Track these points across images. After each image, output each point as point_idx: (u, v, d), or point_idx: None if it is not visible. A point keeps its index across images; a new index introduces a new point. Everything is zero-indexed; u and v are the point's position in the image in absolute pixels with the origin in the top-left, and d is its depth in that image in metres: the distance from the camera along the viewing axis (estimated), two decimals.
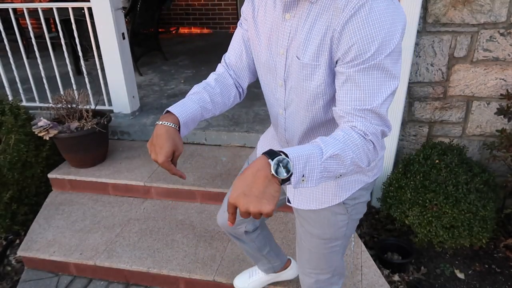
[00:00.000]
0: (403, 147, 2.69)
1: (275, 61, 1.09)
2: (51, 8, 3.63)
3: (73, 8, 2.96)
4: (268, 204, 0.79)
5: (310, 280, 1.37)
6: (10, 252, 2.59)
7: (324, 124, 1.11)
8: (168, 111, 1.08)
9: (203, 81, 1.22)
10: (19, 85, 3.29)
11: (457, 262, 2.36)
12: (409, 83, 2.46)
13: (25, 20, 3.07)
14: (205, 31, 6.72)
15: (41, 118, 2.64)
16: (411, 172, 2.31)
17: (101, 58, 3.04)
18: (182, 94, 3.70)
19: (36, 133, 2.55)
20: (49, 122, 2.59)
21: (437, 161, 2.28)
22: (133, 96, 3.21)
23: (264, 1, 1.09)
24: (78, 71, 4.37)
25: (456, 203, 2.09)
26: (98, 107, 3.09)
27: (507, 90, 2.30)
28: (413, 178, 2.27)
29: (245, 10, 1.18)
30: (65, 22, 3.83)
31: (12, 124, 2.60)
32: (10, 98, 3.25)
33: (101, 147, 2.79)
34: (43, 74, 3.20)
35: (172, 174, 1.10)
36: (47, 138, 2.57)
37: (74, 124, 2.68)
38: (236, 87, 1.25)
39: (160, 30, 6.22)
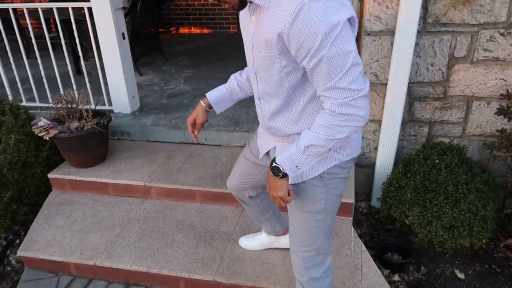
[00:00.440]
0: (403, 147, 2.69)
1: (248, 57, 1.33)
2: (51, 8, 3.64)
3: (73, 8, 2.96)
4: (280, 191, 1.26)
5: (298, 259, 1.50)
6: (10, 252, 2.59)
7: (293, 107, 1.30)
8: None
9: (242, 74, 1.60)
10: (19, 85, 3.29)
11: (457, 262, 2.36)
12: (409, 83, 2.46)
13: (25, 20, 3.07)
14: (205, 31, 6.72)
15: (41, 118, 2.64)
16: (411, 172, 2.31)
17: (101, 58, 3.04)
18: (182, 94, 3.71)
19: (36, 133, 2.55)
20: (49, 122, 2.59)
21: (437, 161, 2.28)
22: (133, 96, 3.21)
23: (244, 9, 1.28)
24: (78, 71, 4.37)
25: (456, 203, 2.09)
26: (98, 107, 3.09)
27: (507, 90, 2.30)
28: (413, 178, 2.27)
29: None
30: (65, 22, 3.83)
31: (12, 124, 2.60)
32: (10, 98, 3.25)
33: (101, 147, 2.79)
34: (43, 74, 3.20)
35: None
36: (47, 138, 2.57)
37: (74, 124, 2.68)
38: None
39: (160, 30, 6.22)
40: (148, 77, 4.28)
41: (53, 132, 2.56)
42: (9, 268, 2.47)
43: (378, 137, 2.64)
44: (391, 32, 2.33)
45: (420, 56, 2.38)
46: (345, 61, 1.07)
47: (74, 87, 3.14)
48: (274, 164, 1.23)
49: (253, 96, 1.50)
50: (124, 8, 3.06)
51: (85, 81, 3.18)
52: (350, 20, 1.10)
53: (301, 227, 1.44)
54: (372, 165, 2.78)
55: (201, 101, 1.57)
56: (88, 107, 2.80)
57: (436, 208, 2.13)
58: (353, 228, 2.31)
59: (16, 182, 2.58)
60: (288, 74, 1.21)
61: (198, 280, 2.09)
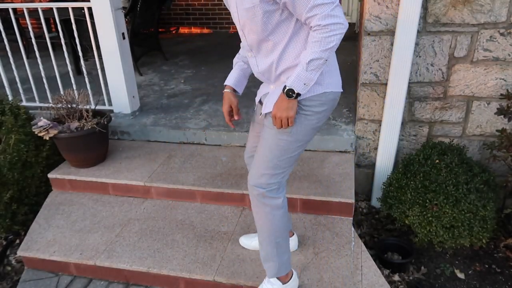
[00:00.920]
0: (403, 147, 2.69)
1: (235, 17, 1.52)
2: (51, 8, 3.64)
3: (73, 8, 2.96)
4: (291, 111, 1.49)
5: (250, 180, 1.68)
6: (10, 252, 2.59)
7: (279, 45, 1.49)
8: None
9: (238, 52, 1.82)
10: (19, 85, 3.29)
11: (457, 262, 2.36)
12: (409, 83, 2.46)
13: (25, 20, 3.07)
14: (205, 31, 6.72)
15: (41, 118, 2.64)
16: (411, 172, 2.31)
17: (101, 58, 3.04)
18: (182, 94, 3.71)
19: (36, 133, 2.55)
20: (49, 122, 2.59)
21: (437, 161, 2.28)
22: (133, 96, 3.21)
23: None
24: (78, 71, 4.37)
25: (456, 203, 2.09)
26: (98, 107, 3.09)
27: (507, 90, 2.30)
28: (413, 178, 2.27)
29: None
30: (65, 22, 3.83)
31: (12, 124, 2.60)
32: (10, 98, 3.25)
33: (101, 147, 2.79)
34: (43, 74, 3.20)
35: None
36: (47, 138, 2.57)
37: (74, 124, 2.68)
38: None
39: (160, 30, 6.22)
40: (148, 77, 4.28)
41: (53, 132, 2.56)
42: (9, 268, 2.47)
43: (378, 137, 2.64)
44: (391, 32, 2.33)
45: (420, 56, 2.38)
46: None
47: (74, 87, 3.14)
48: (287, 88, 1.45)
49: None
50: (124, 8, 3.06)
51: (85, 81, 3.18)
52: None
53: (266, 143, 1.62)
54: (372, 165, 2.78)
55: (225, 90, 1.78)
56: (88, 107, 2.81)
57: (436, 208, 2.13)
58: (353, 228, 2.31)
59: (16, 182, 2.58)
60: (269, 18, 1.42)
61: (198, 280, 2.09)
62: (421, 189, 2.20)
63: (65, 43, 3.16)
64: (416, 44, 2.34)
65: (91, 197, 2.71)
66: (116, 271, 2.21)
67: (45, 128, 2.55)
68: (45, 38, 3.12)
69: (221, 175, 2.61)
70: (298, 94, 1.46)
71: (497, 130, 2.37)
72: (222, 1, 6.45)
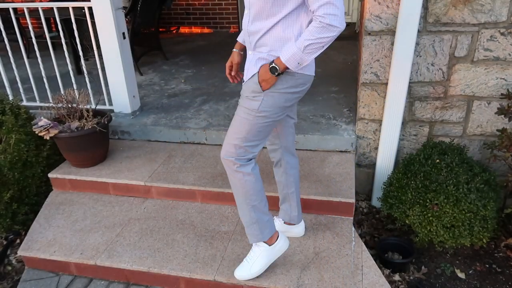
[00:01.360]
0: (403, 147, 2.69)
1: None
2: (52, 8, 3.64)
3: (73, 8, 2.96)
4: (270, 84, 1.63)
5: (222, 151, 1.79)
6: (11, 251, 2.59)
7: (273, 18, 1.57)
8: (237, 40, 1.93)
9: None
10: (19, 84, 3.29)
11: (457, 261, 2.36)
12: (409, 82, 2.46)
13: (26, 19, 3.07)
14: (206, 30, 6.72)
15: (42, 117, 2.64)
16: (411, 172, 2.31)
17: (102, 58, 3.04)
18: (182, 94, 3.71)
19: (36, 132, 2.55)
20: (49, 122, 2.59)
21: (437, 160, 2.28)
22: (134, 96, 3.21)
23: None
24: (78, 71, 4.37)
25: (457, 203, 2.09)
26: (99, 107, 3.09)
27: (508, 90, 2.30)
28: (414, 178, 2.27)
29: None
30: (66, 22, 3.83)
31: (12, 123, 2.60)
32: (10, 97, 3.26)
33: (101, 146, 2.79)
34: (43, 74, 3.20)
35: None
36: (48, 138, 2.57)
37: (75, 124, 2.68)
38: None
39: (160, 29, 6.22)
40: (149, 77, 4.28)
41: (53, 132, 2.56)
42: (9, 268, 2.48)
43: (379, 136, 2.64)
44: (391, 32, 2.33)
45: (420, 56, 2.38)
46: None
47: (75, 86, 3.14)
48: (273, 65, 1.58)
49: None
50: (124, 7, 3.06)
51: (85, 81, 3.18)
52: None
53: (238, 118, 1.72)
54: (372, 165, 2.78)
55: (234, 49, 1.91)
56: (88, 106, 2.81)
57: (436, 207, 2.13)
58: (353, 228, 2.31)
59: (16, 181, 2.58)
60: None
61: (199, 280, 2.09)
62: (421, 189, 2.20)
63: (66, 43, 3.16)
64: (417, 43, 2.34)
65: (91, 197, 2.72)
66: (116, 271, 2.21)
67: (45, 128, 2.55)
68: (45, 38, 3.12)
69: (222, 175, 2.60)
70: (279, 73, 1.59)
71: (497, 130, 2.37)
72: (222, 1, 6.45)
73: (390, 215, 2.52)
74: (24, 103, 3.28)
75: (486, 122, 2.49)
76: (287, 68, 1.57)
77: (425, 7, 2.24)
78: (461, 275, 2.27)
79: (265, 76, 1.61)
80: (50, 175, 2.76)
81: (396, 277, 2.22)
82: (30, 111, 2.93)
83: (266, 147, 2.13)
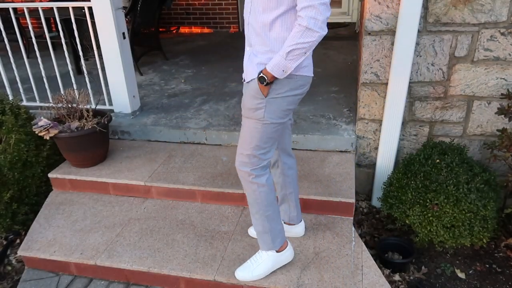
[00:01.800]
0: (403, 147, 2.69)
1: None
2: (52, 8, 3.64)
3: (73, 8, 2.96)
4: (263, 93, 1.64)
5: (236, 162, 1.82)
6: (11, 251, 2.59)
7: (270, 14, 1.56)
8: None
9: None
10: (19, 84, 3.29)
11: (457, 261, 2.36)
12: (409, 82, 2.45)
13: (26, 19, 3.07)
14: (206, 30, 6.72)
15: (42, 117, 2.64)
16: (411, 172, 2.30)
17: (102, 58, 3.04)
18: (182, 94, 3.71)
19: (36, 132, 2.55)
20: (49, 122, 2.59)
21: (437, 160, 2.28)
22: (134, 96, 3.21)
23: None
24: (78, 71, 4.37)
25: (457, 203, 2.09)
26: (99, 107, 3.09)
27: (508, 90, 2.30)
28: (414, 178, 2.26)
29: None
30: (66, 22, 3.83)
31: (12, 123, 2.60)
32: (10, 97, 3.25)
33: (101, 146, 2.79)
34: (43, 74, 3.20)
35: None
36: (48, 138, 2.57)
37: (75, 124, 2.68)
38: None
39: (160, 29, 6.22)
40: (149, 77, 4.28)
41: (53, 132, 2.56)
42: (9, 268, 2.48)
43: (379, 136, 2.64)
44: (391, 32, 2.33)
45: (420, 56, 2.38)
46: None
47: (75, 86, 3.14)
48: (261, 75, 1.60)
49: None
50: (124, 7, 3.06)
51: (85, 81, 3.18)
52: None
53: (247, 129, 1.74)
54: (372, 165, 2.78)
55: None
56: (88, 106, 2.81)
57: (436, 207, 2.12)
58: (353, 228, 2.31)
59: (16, 181, 2.58)
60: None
61: (199, 280, 2.09)
62: (421, 189, 2.20)
63: (66, 43, 3.16)
64: (417, 43, 2.34)
65: (91, 197, 2.71)
66: (116, 271, 2.21)
67: (45, 128, 2.55)
68: (45, 38, 3.11)
69: (222, 175, 2.60)
70: (269, 83, 1.61)
71: (497, 130, 2.37)
72: (222, 1, 6.45)
73: (390, 215, 2.52)
74: (24, 103, 3.28)
75: (486, 122, 2.49)
76: (274, 77, 1.58)
77: (425, 7, 2.24)
78: (461, 275, 2.27)
79: (259, 87, 1.64)
80: (50, 175, 2.76)
81: (396, 277, 2.22)
82: (30, 111, 2.92)
83: None
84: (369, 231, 2.59)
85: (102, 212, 2.57)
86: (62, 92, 3.17)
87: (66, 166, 2.82)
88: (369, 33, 2.37)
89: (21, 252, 2.32)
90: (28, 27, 3.11)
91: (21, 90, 3.31)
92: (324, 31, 1.47)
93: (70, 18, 3.02)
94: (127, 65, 3.07)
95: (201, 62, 4.76)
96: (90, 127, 2.65)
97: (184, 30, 6.80)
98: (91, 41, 3.07)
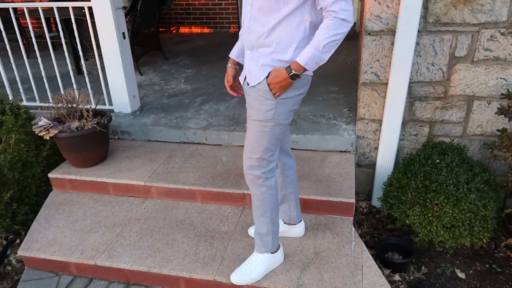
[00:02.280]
0: (403, 147, 2.69)
1: None
2: (52, 8, 3.64)
3: (73, 8, 2.96)
4: (285, 89, 1.63)
5: (244, 166, 1.83)
6: (11, 251, 2.59)
7: (273, 15, 1.56)
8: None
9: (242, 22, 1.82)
10: (19, 84, 3.29)
11: (457, 261, 2.36)
12: (409, 82, 2.45)
13: (26, 19, 3.07)
14: (206, 30, 6.72)
15: (42, 117, 2.64)
16: (411, 172, 2.30)
17: (102, 58, 3.04)
18: (182, 94, 3.71)
19: (36, 132, 2.55)
20: (49, 122, 2.59)
21: (437, 160, 2.28)
22: (134, 96, 3.21)
23: None
24: (78, 71, 4.37)
25: (457, 203, 2.09)
26: (99, 107, 3.09)
27: (508, 90, 2.30)
28: (414, 178, 2.26)
29: None
30: (66, 22, 3.83)
31: (12, 123, 2.60)
32: (10, 97, 3.25)
33: (101, 146, 2.79)
34: (43, 74, 3.20)
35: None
36: (48, 138, 2.57)
37: (75, 124, 2.68)
38: None
39: (160, 29, 6.22)
40: (149, 77, 4.28)
41: (53, 132, 2.56)
42: (9, 268, 2.48)
43: (379, 136, 2.64)
44: (391, 32, 2.33)
45: (420, 56, 2.38)
46: None
47: (75, 86, 3.14)
48: (293, 72, 1.57)
49: None
50: (124, 7, 3.06)
51: (85, 81, 3.18)
52: None
53: (252, 131, 1.74)
54: (372, 165, 2.78)
55: (228, 64, 1.91)
56: (88, 106, 2.81)
57: (436, 207, 2.12)
58: (353, 228, 2.31)
59: (16, 181, 2.58)
60: None
61: (199, 280, 2.09)
62: (421, 189, 2.20)
63: (66, 43, 3.16)
64: (417, 43, 2.34)
65: (91, 197, 2.71)
66: (116, 271, 2.21)
67: (45, 128, 2.55)
68: (45, 38, 3.11)
69: (222, 175, 2.60)
70: (298, 76, 1.59)
71: (497, 130, 2.37)
72: (222, 1, 6.45)
73: (390, 215, 2.52)
74: (24, 103, 3.28)
75: (486, 122, 2.49)
76: (305, 70, 1.58)
77: (425, 7, 2.24)
78: (461, 275, 2.27)
79: (284, 82, 1.61)
80: (50, 175, 2.76)
81: (396, 277, 2.22)
82: (30, 111, 2.92)
83: None
84: (369, 231, 2.59)
85: (102, 212, 2.57)
86: (62, 92, 3.17)
87: (66, 166, 2.82)
88: (369, 33, 2.37)
89: (21, 252, 2.32)
90: (28, 27, 3.12)
91: (21, 90, 3.31)
92: (353, 21, 1.51)
93: (70, 18, 3.03)
94: (127, 65, 3.07)
95: (201, 62, 4.77)
96: (90, 127, 2.65)
97: (184, 30, 6.80)
98: (91, 41, 3.07)
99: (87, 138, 2.66)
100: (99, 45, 2.98)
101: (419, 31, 2.29)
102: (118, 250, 2.25)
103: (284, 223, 2.20)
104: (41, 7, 2.97)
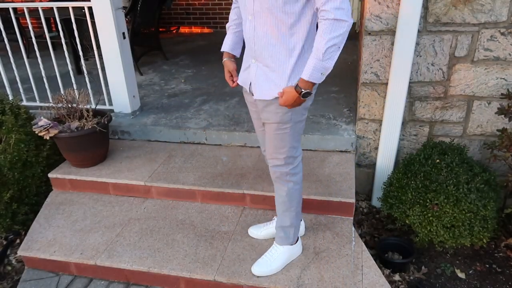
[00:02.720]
0: (403, 147, 2.69)
1: None
2: (52, 8, 3.64)
3: (73, 8, 2.96)
4: (298, 105, 1.61)
5: (270, 165, 1.84)
6: (11, 251, 2.59)
7: (284, 33, 1.53)
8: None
9: (229, 16, 1.86)
10: (19, 84, 3.29)
11: (457, 261, 2.36)
12: (409, 82, 2.45)
13: (26, 19, 3.07)
14: (206, 30, 6.72)
15: (42, 117, 2.64)
16: (411, 172, 2.30)
17: (102, 58, 3.04)
18: (182, 94, 3.71)
19: (36, 132, 2.55)
20: (49, 122, 2.59)
21: (437, 160, 2.28)
22: (134, 96, 3.21)
23: None
24: (78, 71, 4.37)
25: (457, 203, 2.09)
26: (99, 107, 3.09)
27: (508, 90, 2.30)
28: (414, 178, 2.26)
29: None
30: (66, 22, 3.83)
31: (12, 123, 2.60)
32: (10, 97, 3.25)
33: (101, 146, 2.79)
34: (43, 74, 3.20)
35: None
36: (48, 138, 2.57)
37: (75, 124, 2.68)
38: None
39: (160, 29, 6.22)
40: (149, 77, 4.28)
41: (53, 132, 2.56)
42: (9, 268, 2.48)
43: (379, 136, 2.64)
44: (391, 32, 2.33)
45: (420, 56, 2.38)
46: None
47: (75, 86, 3.14)
48: (304, 91, 1.53)
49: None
50: (124, 7, 3.06)
51: (85, 81, 3.18)
52: None
53: (273, 134, 1.74)
54: (372, 165, 2.78)
55: (224, 59, 1.88)
56: (88, 106, 2.80)
57: (436, 207, 2.12)
58: (353, 228, 2.31)
59: (16, 181, 2.58)
60: None
61: (199, 280, 2.09)
62: (421, 189, 2.20)
63: (66, 43, 3.16)
64: (417, 43, 2.34)
65: (91, 197, 2.71)
66: (116, 271, 2.21)
67: (45, 128, 2.55)
68: (45, 38, 3.11)
69: (222, 175, 2.60)
70: (310, 93, 1.56)
71: (497, 130, 2.37)
72: (222, 1, 6.45)
73: (390, 215, 2.52)
74: (24, 103, 3.28)
75: (486, 122, 2.49)
76: (314, 84, 1.54)
77: (425, 7, 2.24)
78: (461, 275, 2.27)
79: (296, 103, 1.59)
80: (50, 175, 2.76)
81: (396, 277, 2.22)
82: (30, 111, 2.92)
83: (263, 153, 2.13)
84: (369, 231, 2.59)
85: (102, 212, 2.57)
86: (62, 92, 3.17)
87: (66, 166, 2.82)
88: (369, 33, 2.37)
89: (21, 252, 2.32)
90: (28, 27, 3.12)
91: (21, 90, 3.31)
92: (351, 19, 1.43)
93: (70, 18, 3.03)
94: (127, 65, 3.07)
95: (201, 62, 4.77)
96: (90, 127, 2.65)
97: (184, 30, 6.80)
98: (91, 41, 3.07)
99: (87, 138, 2.66)
100: (99, 45, 2.98)
101: (419, 31, 2.29)
102: (118, 250, 2.25)
103: None
104: (41, 7, 2.97)
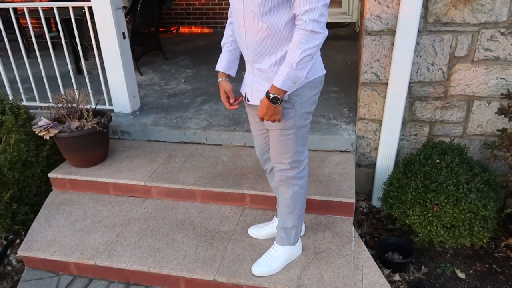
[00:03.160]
0: (403, 147, 2.69)
1: None
2: (52, 8, 3.64)
3: (73, 8, 2.96)
4: (278, 115, 1.59)
5: (276, 169, 1.84)
6: (11, 251, 2.59)
7: (276, 33, 1.51)
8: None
9: (224, 33, 1.84)
10: (19, 84, 3.29)
11: (458, 261, 2.36)
12: (409, 82, 2.45)
13: (26, 19, 3.07)
14: (206, 30, 6.72)
15: (42, 117, 2.64)
16: (411, 172, 2.30)
17: (102, 58, 3.04)
18: (182, 94, 3.71)
19: (36, 132, 2.55)
20: (49, 122, 2.59)
21: (437, 160, 2.28)
22: (134, 96, 3.21)
23: None
24: (78, 71, 4.37)
25: (457, 203, 2.09)
26: (99, 107, 3.09)
27: (508, 90, 2.30)
28: (414, 178, 2.26)
29: None
30: (66, 22, 3.83)
31: (12, 123, 2.60)
32: (10, 97, 3.25)
33: (101, 146, 2.79)
34: (43, 74, 3.20)
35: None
36: (48, 138, 2.57)
37: (75, 124, 2.68)
38: None
39: (160, 29, 6.22)
40: (149, 77, 4.28)
41: (53, 132, 2.56)
42: (9, 268, 2.48)
43: (379, 136, 2.64)
44: (391, 32, 2.33)
45: (420, 56, 2.38)
46: None
47: (75, 86, 3.14)
48: (272, 95, 1.51)
49: None
50: (124, 7, 3.06)
51: (85, 81, 3.18)
52: None
53: (277, 140, 1.73)
54: (372, 165, 2.78)
55: (219, 79, 1.85)
56: (88, 106, 2.81)
57: (436, 207, 2.12)
58: (353, 228, 2.31)
59: (16, 181, 2.58)
60: None
61: (199, 280, 2.09)
62: (421, 189, 2.20)
63: (66, 43, 3.16)
64: (417, 43, 2.34)
65: (91, 197, 2.71)
66: (116, 271, 2.21)
67: (45, 128, 2.55)
68: (45, 38, 3.11)
69: (222, 175, 2.60)
70: (281, 100, 1.53)
71: (497, 130, 2.37)
72: (222, 1, 6.45)
73: (390, 215, 2.52)
74: (24, 103, 3.28)
75: (486, 122, 2.49)
76: (285, 92, 1.52)
77: (425, 7, 2.24)
78: (461, 275, 2.27)
79: (270, 111, 1.56)
80: (50, 175, 2.76)
81: (396, 277, 2.22)
82: (30, 111, 2.93)
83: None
84: (369, 231, 2.59)
85: (102, 212, 2.57)
86: (62, 92, 3.18)
87: (66, 166, 2.82)
88: (369, 33, 2.37)
89: (21, 252, 2.32)
90: (28, 27, 3.12)
91: (21, 90, 3.31)
92: (326, 31, 1.44)
93: (70, 18, 3.03)
94: (127, 65, 3.07)
95: (201, 62, 4.76)
96: (90, 127, 2.65)
97: (184, 30, 6.80)
98: (91, 41, 3.07)
99: (87, 138, 2.66)
100: (99, 45, 2.98)
101: (419, 31, 2.29)
102: (118, 250, 2.25)
103: None
104: (41, 7, 2.97)
